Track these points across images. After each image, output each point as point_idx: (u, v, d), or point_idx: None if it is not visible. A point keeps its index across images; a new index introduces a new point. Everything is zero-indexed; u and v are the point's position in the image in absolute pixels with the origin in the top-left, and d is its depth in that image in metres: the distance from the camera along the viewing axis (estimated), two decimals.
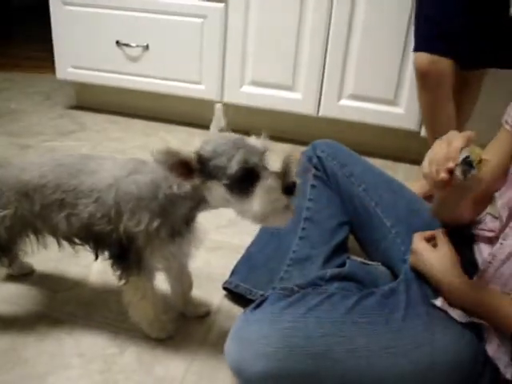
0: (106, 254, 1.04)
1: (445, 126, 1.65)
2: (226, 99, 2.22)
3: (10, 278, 1.27)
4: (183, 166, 0.85)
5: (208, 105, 2.29)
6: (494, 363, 0.91)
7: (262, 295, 1.04)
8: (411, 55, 1.75)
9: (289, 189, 0.85)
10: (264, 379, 0.82)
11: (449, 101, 1.64)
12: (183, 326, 1.15)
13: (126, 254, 0.99)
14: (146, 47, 2.22)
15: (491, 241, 1.02)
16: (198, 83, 2.23)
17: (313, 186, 1.18)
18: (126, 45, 2.24)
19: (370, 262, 1.20)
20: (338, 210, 1.16)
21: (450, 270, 0.95)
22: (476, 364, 0.92)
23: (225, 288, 1.20)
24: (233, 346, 0.85)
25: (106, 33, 2.25)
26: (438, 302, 0.95)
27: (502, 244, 0.94)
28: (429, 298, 0.96)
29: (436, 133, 1.60)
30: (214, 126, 0.98)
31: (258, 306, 0.91)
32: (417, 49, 1.58)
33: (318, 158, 1.19)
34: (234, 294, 1.19)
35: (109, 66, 2.31)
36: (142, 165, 1.00)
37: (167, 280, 1.16)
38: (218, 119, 0.99)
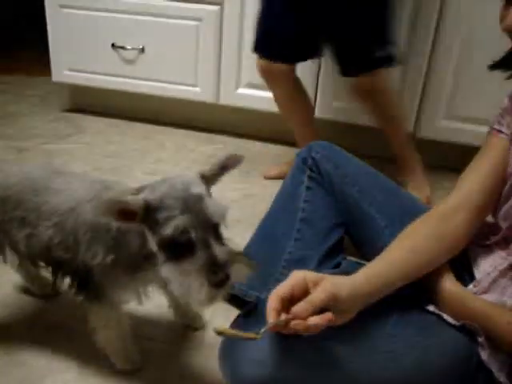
0: (68, 280, 0.98)
1: (297, 122, 1.90)
2: (222, 101, 2.23)
3: (8, 281, 1.27)
4: (127, 213, 0.78)
5: (204, 107, 2.31)
6: (487, 367, 0.91)
7: (257, 297, 1.04)
8: None
9: (218, 283, 0.75)
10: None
11: (293, 100, 1.84)
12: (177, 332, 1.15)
13: (86, 284, 0.94)
14: (142, 50, 2.23)
15: (489, 247, 1.02)
16: (193, 86, 2.24)
17: (308, 188, 1.17)
18: (122, 47, 2.25)
19: (365, 263, 1.20)
20: (332, 211, 1.16)
21: (442, 276, 0.95)
22: (470, 367, 0.92)
23: None
24: (227, 351, 0.85)
25: (101, 35, 2.26)
26: (431, 306, 0.95)
27: (503, 257, 0.95)
28: (421, 303, 0.96)
29: (294, 126, 1.90)
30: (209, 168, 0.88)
31: (250, 312, 0.91)
32: (254, 51, 1.73)
33: (313, 159, 1.19)
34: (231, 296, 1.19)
35: (105, 69, 2.31)
36: (105, 189, 0.94)
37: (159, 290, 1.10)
38: (216, 165, 0.88)
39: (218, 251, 0.77)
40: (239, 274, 0.79)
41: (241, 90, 2.20)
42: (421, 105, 2.02)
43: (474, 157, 1.02)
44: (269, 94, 2.13)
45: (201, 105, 2.28)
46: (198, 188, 0.82)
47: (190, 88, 2.25)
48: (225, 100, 2.23)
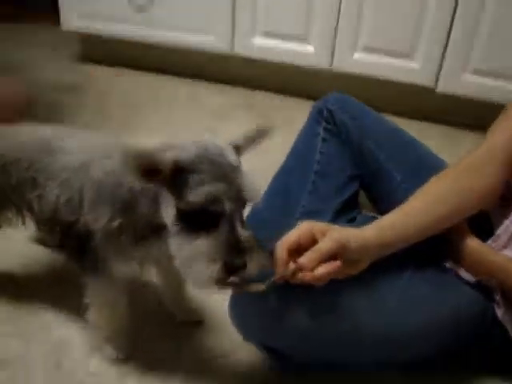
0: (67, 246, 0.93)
1: None
2: (237, 51, 2.15)
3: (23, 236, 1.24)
4: (153, 171, 0.71)
5: (218, 57, 2.24)
6: (503, 325, 0.90)
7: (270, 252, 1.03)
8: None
9: (233, 268, 0.68)
10: (267, 335, 0.82)
11: None
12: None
13: (84, 253, 0.88)
14: None
15: (507, 201, 0.99)
16: (207, 34, 2.16)
17: (323, 140, 1.14)
18: None
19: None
20: (348, 164, 1.13)
21: (462, 233, 0.93)
22: (484, 324, 0.91)
23: None
24: (237, 300, 0.84)
25: None
26: (448, 263, 0.93)
27: None
28: (438, 258, 0.94)
29: None
30: (241, 139, 0.80)
31: None
32: None
33: (329, 110, 1.16)
34: None
35: (115, 16, 2.23)
36: (118, 148, 0.85)
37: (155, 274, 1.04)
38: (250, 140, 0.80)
39: (242, 233, 0.70)
40: (255, 264, 0.71)
41: (256, 40, 2.11)
42: (444, 55, 1.90)
43: (505, 110, 0.97)
44: (285, 44, 2.07)
45: (214, 55, 2.21)
46: (234, 157, 0.74)
47: (204, 37, 2.17)
48: (239, 50, 2.15)
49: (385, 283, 0.87)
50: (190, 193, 0.69)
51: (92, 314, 0.95)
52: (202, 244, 0.69)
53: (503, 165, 0.92)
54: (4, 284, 1.14)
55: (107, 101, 2.08)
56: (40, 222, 0.97)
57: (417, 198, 0.90)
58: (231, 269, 0.68)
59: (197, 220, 0.70)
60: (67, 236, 0.90)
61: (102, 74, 2.33)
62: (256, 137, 0.81)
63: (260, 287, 0.72)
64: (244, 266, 0.69)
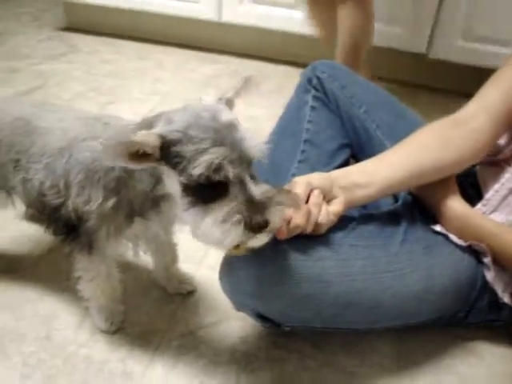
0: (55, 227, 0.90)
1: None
2: (224, 19, 2.11)
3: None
4: (141, 154, 0.66)
5: (205, 25, 2.19)
6: (492, 288, 0.91)
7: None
8: None
9: (255, 227, 0.65)
10: (257, 300, 0.82)
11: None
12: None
13: (76, 234, 0.85)
14: None
15: (496, 164, 0.98)
16: (194, 1, 2.11)
17: (312, 108, 1.12)
18: None
19: None
20: (338, 132, 1.12)
21: (448, 195, 0.92)
22: (473, 287, 0.92)
23: None
24: (226, 267, 0.84)
25: None
26: (438, 226, 0.93)
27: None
28: (428, 222, 0.94)
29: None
30: (229, 92, 0.77)
31: None
32: None
33: (318, 78, 1.14)
34: None
35: None
36: (103, 127, 0.83)
37: (148, 250, 1.00)
38: (240, 89, 0.77)
39: (256, 191, 0.66)
40: (277, 217, 0.68)
41: (244, 6, 2.06)
42: (436, 22, 1.87)
43: (496, 71, 0.95)
44: (274, 11, 2.02)
45: (201, 23, 2.16)
46: (228, 115, 0.69)
47: (191, 4, 2.11)
48: (227, 17, 2.10)
49: (377, 248, 0.87)
50: (190, 165, 0.65)
51: (83, 287, 0.95)
52: (219, 210, 0.66)
53: (494, 120, 0.91)
54: None
55: (91, 71, 2.03)
56: (28, 204, 0.94)
57: (400, 145, 0.90)
58: (255, 226, 0.65)
59: (206, 189, 0.66)
60: (55, 219, 0.87)
61: (85, 43, 2.27)
62: (244, 86, 0.78)
63: (249, 249, 0.71)
64: (266, 222, 0.66)
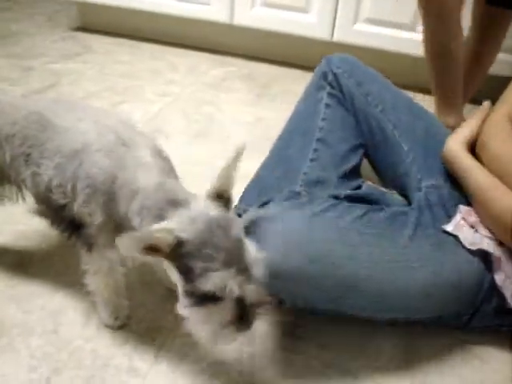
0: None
1: (452, 69, 1.35)
2: (236, 22, 2.11)
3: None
4: (153, 248, 0.69)
5: (217, 28, 2.19)
6: (500, 292, 0.89)
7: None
8: None
9: (243, 328, 0.72)
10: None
11: (456, 37, 1.30)
12: None
13: (78, 233, 0.87)
14: None
15: None
16: (206, 4, 2.11)
17: (327, 105, 1.10)
18: None
19: (385, 190, 1.16)
20: (352, 132, 1.10)
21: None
22: (480, 288, 0.91)
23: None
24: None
25: None
26: (449, 226, 0.92)
27: None
28: (440, 223, 0.93)
29: (440, 76, 1.36)
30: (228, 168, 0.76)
31: (263, 204, 0.88)
32: None
33: (334, 74, 1.11)
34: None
35: None
36: (121, 149, 0.82)
37: None
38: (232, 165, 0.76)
39: (249, 292, 0.70)
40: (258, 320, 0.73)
41: (256, 10, 2.07)
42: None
43: None
44: (286, 14, 2.02)
45: (214, 25, 2.17)
46: (237, 229, 0.72)
47: (203, 6, 2.12)
48: (239, 20, 2.10)
49: (387, 240, 0.86)
50: (197, 279, 0.69)
51: (89, 280, 0.95)
52: (212, 312, 0.70)
53: None
54: (2, 253, 1.13)
55: (105, 71, 2.03)
56: (37, 198, 0.94)
57: None
58: (241, 329, 0.71)
59: (205, 297, 0.70)
60: (61, 217, 0.88)
61: (99, 44, 2.28)
62: (237, 157, 0.76)
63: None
64: (250, 327, 0.72)
